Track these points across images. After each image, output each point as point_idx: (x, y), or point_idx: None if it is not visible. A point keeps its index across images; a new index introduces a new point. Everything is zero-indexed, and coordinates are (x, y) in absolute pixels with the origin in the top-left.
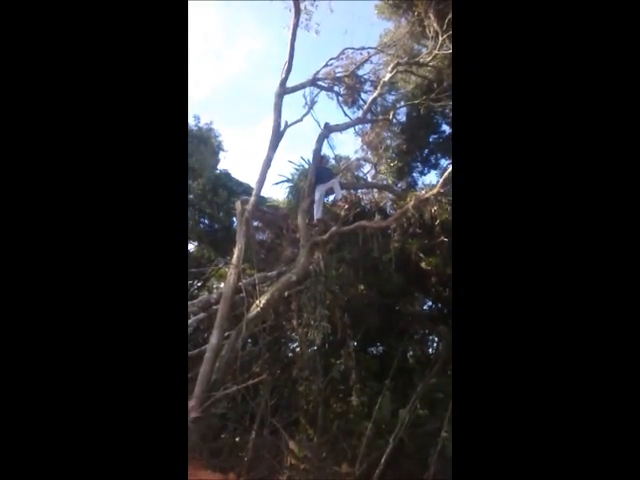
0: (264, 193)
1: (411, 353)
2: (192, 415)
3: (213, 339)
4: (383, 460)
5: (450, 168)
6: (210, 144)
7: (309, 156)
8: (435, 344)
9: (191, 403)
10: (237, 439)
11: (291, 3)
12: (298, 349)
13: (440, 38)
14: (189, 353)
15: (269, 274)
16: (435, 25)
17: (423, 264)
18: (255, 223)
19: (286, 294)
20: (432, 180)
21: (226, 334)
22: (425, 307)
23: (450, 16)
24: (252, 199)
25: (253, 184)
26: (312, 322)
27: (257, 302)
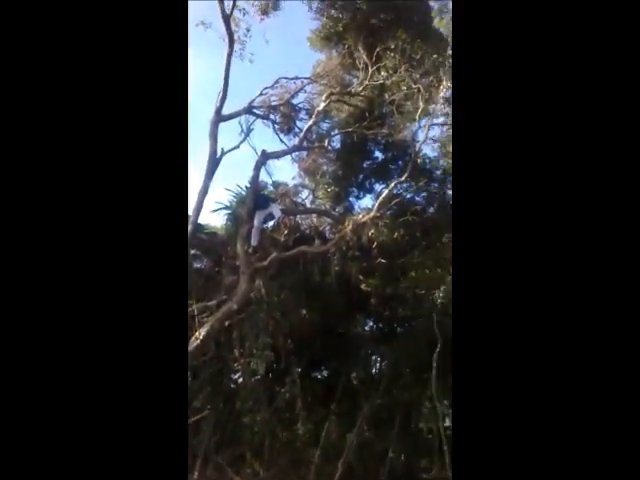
0: (201, 220)
1: (355, 375)
2: None
3: None
4: None
5: (385, 192)
6: None
7: (246, 183)
8: (378, 364)
9: None
10: None
11: (225, 32)
12: (241, 380)
13: (370, 69)
14: None
15: (209, 304)
16: (364, 57)
17: (363, 286)
18: (193, 251)
19: (227, 324)
20: (368, 204)
21: None
22: (366, 328)
23: (378, 49)
24: (189, 227)
25: (190, 212)
26: (255, 351)
27: (197, 334)
